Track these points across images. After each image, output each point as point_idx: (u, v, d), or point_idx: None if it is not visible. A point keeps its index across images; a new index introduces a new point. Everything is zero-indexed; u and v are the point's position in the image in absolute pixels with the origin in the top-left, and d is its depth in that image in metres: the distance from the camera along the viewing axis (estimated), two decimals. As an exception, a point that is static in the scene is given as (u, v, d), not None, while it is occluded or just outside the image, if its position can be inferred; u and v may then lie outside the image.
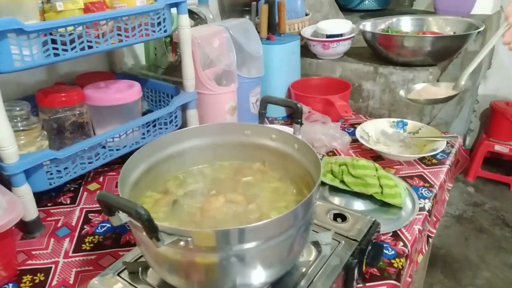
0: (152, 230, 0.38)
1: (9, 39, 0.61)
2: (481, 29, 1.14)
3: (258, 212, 0.54)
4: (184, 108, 0.96)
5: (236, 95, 1.03)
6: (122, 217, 0.42)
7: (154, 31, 0.82)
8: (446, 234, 1.97)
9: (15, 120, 0.74)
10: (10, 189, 0.67)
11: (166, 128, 0.93)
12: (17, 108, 0.74)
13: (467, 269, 1.79)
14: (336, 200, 0.81)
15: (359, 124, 1.05)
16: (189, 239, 0.41)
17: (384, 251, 0.66)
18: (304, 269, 0.54)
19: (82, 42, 0.70)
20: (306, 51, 1.27)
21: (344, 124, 1.13)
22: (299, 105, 0.58)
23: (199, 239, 0.42)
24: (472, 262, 1.82)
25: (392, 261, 0.67)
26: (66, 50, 0.68)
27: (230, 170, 0.64)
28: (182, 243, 0.41)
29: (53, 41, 0.67)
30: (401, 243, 0.70)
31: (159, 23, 0.83)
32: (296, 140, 0.59)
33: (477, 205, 2.19)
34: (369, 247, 0.59)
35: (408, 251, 0.69)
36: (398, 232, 0.72)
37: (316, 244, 0.58)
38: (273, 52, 1.13)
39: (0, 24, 0.59)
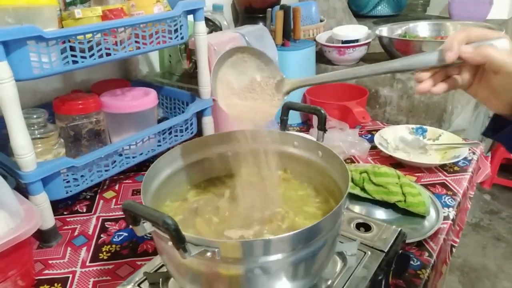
0: (179, 240, 0.37)
1: (29, 46, 0.60)
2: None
3: (286, 222, 0.52)
4: (199, 115, 0.95)
5: (251, 102, 1.02)
6: (146, 227, 0.40)
7: (171, 38, 0.82)
8: (463, 243, 1.93)
9: (32, 128, 0.73)
10: (27, 197, 0.67)
11: (182, 136, 0.93)
12: (34, 116, 0.74)
13: (485, 279, 1.74)
14: (357, 208, 0.78)
15: (376, 130, 1.03)
16: (216, 250, 0.39)
17: (410, 262, 0.64)
18: (329, 281, 0.52)
19: (100, 49, 0.70)
20: (321, 57, 1.26)
21: (361, 131, 1.11)
22: (322, 111, 0.57)
23: (226, 250, 0.40)
24: (490, 271, 1.78)
25: (418, 272, 0.64)
26: (84, 58, 0.68)
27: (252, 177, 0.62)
28: (208, 254, 0.39)
29: (72, 49, 0.66)
30: (427, 253, 0.68)
31: (175, 30, 0.82)
32: (320, 147, 0.57)
33: (494, 213, 2.14)
34: (396, 258, 0.57)
35: (434, 261, 0.67)
36: (423, 242, 0.70)
37: (341, 254, 0.56)
38: (289, 58, 1.12)
39: (20, 31, 0.58)
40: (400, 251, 0.59)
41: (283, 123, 0.62)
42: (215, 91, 0.54)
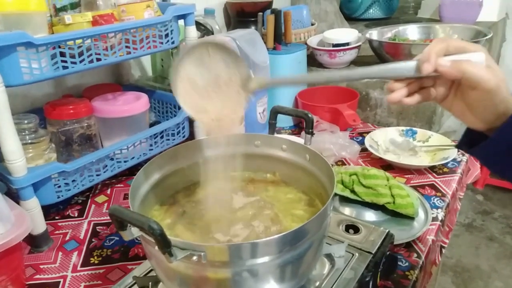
0: (165, 245, 0.37)
1: (19, 53, 0.61)
2: (489, 36, 1.14)
3: (275, 224, 0.53)
4: (191, 119, 0.96)
5: (243, 105, 1.02)
6: (133, 232, 0.41)
7: (161, 43, 0.82)
8: (456, 243, 1.94)
9: (23, 133, 0.73)
10: (18, 203, 0.67)
11: (174, 139, 0.93)
12: (25, 121, 0.74)
13: (478, 279, 1.76)
14: (347, 210, 0.79)
15: (367, 133, 1.04)
16: (202, 253, 0.40)
17: (398, 263, 0.64)
18: (317, 283, 0.53)
19: (91, 54, 0.71)
20: (312, 60, 1.27)
21: (352, 133, 1.12)
22: (310, 115, 0.58)
23: (213, 253, 0.41)
24: (484, 271, 1.79)
25: (407, 273, 0.65)
26: (74, 63, 0.69)
27: (241, 181, 0.63)
28: (195, 258, 0.40)
29: (62, 54, 0.67)
30: (415, 255, 0.69)
31: (166, 35, 0.83)
32: (307, 150, 0.58)
33: (487, 213, 2.16)
34: (384, 259, 0.58)
35: (423, 262, 0.68)
36: (412, 243, 0.71)
37: (329, 256, 0.57)
38: (280, 61, 1.13)
39: (10, 37, 0.59)
40: (388, 253, 0.59)
41: (271, 127, 0.63)
42: (175, 88, 0.50)
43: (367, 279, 0.54)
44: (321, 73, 0.50)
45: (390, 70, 0.47)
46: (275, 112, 0.62)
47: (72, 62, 0.68)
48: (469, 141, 0.50)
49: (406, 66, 0.46)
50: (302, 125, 1.16)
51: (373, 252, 0.58)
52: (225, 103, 0.52)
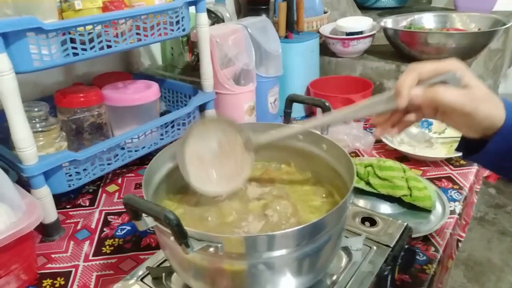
0: (181, 236, 0.36)
1: (28, 38, 0.59)
2: (509, 25, 1.10)
3: (292, 216, 0.51)
4: (202, 108, 0.94)
5: (254, 95, 1.01)
6: (148, 222, 0.40)
7: (172, 30, 0.80)
8: (468, 237, 1.91)
9: (34, 121, 0.73)
10: (29, 191, 0.66)
11: (184, 129, 0.92)
12: (36, 109, 0.73)
13: (491, 273, 1.73)
14: (361, 202, 0.77)
15: (381, 123, 1.01)
16: (219, 245, 0.39)
17: (416, 257, 0.63)
18: (335, 277, 0.52)
19: (101, 41, 0.69)
20: (324, 49, 1.24)
21: (366, 124, 1.10)
22: (327, 104, 0.56)
23: (229, 245, 0.40)
24: (496, 265, 1.77)
25: (424, 267, 0.63)
26: (85, 50, 0.67)
27: (255, 171, 0.61)
28: (211, 249, 0.39)
29: (72, 41, 0.65)
30: (433, 248, 0.67)
31: (177, 22, 0.81)
32: (324, 140, 0.56)
33: (499, 207, 2.13)
34: (402, 253, 0.56)
35: (441, 256, 0.66)
36: (429, 236, 0.69)
37: (346, 249, 0.55)
38: (292, 50, 1.10)
39: (19, 23, 0.57)
40: (406, 246, 0.58)
41: (287, 116, 0.61)
42: (186, 172, 0.53)
43: (386, 273, 0.53)
44: (305, 125, 0.54)
45: (369, 109, 0.47)
46: (290, 101, 0.60)
47: (82, 49, 0.67)
48: (466, 146, 0.49)
49: (382, 103, 0.46)
50: (314, 115, 1.14)
51: (391, 246, 0.56)
52: (234, 165, 0.55)
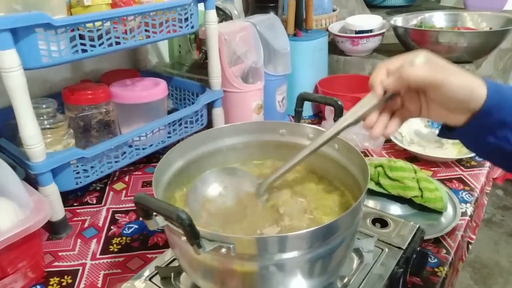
0: (193, 236, 0.35)
1: (37, 34, 0.59)
2: (521, 24, 1.08)
3: (306, 215, 0.50)
4: (209, 106, 0.93)
5: (262, 93, 1.00)
6: (159, 221, 0.39)
7: (181, 27, 0.80)
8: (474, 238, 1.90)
9: (42, 118, 0.72)
10: (36, 188, 0.66)
11: (192, 127, 0.91)
12: (44, 106, 0.73)
13: (498, 275, 1.72)
14: (371, 203, 0.76)
15: (391, 123, 1.00)
16: (231, 246, 0.38)
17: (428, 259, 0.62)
18: (346, 279, 0.51)
19: (110, 38, 0.68)
20: (333, 47, 1.23)
21: (375, 124, 1.08)
22: (340, 102, 0.55)
23: (241, 246, 0.39)
24: (503, 268, 1.75)
25: (436, 269, 0.62)
26: (94, 46, 0.66)
27: (267, 169, 0.61)
28: (223, 250, 0.38)
29: (81, 37, 0.65)
30: (444, 251, 0.66)
31: (186, 19, 0.80)
32: (337, 139, 0.55)
33: (507, 208, 2.10)
34: (414, 256, 0.55)
35: (452, 258, 0.65)
36: (440, 238, 0.68)
37: (358, 251, 0.54)
38: (301, 48, 1.09)
39: (28, 18, 0.57)
40: (419, 248, 0.57)
41: (298, 115, 0.60)
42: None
43: (398, 276, 0.52)
44: (300, 153, 0.51)
45: (358, 111, 0.48)
46: (302, 99, 0.59)
47: (91, 45, 0.66)
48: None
49: (365, 101, 0.47)
50: (322, 114, 1.13)
51: (403, 248, 0.55)
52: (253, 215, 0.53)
